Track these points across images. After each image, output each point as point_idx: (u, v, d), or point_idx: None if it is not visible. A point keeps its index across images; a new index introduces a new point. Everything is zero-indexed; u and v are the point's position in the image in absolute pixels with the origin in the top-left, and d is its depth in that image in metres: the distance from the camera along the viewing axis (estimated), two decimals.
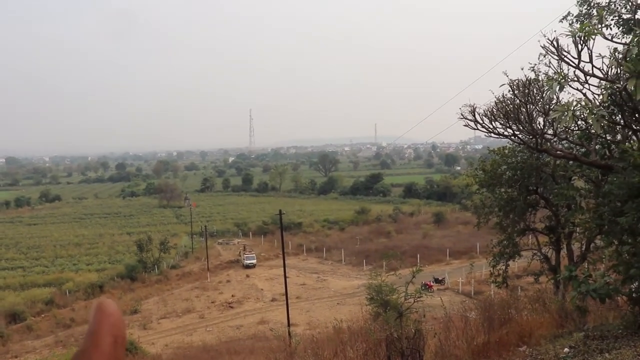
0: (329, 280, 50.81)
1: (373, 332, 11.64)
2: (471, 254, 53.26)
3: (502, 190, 21.20)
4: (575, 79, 9.84)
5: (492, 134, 14.00)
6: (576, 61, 9.67)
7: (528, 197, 20.83)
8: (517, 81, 12.80)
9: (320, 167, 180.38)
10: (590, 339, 8.38)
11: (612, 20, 13.69)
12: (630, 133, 11.10)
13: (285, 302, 33.25)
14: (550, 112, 11.09)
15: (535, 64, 11.76)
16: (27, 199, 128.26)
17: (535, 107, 12.80)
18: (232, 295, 46.82)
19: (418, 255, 51.30)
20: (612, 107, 10.25)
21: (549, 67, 10.50)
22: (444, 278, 45.69)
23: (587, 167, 14.80)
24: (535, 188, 20.52)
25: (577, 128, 13.09)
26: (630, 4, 13.63)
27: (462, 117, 13.90)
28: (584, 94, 9.86)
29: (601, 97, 9.73)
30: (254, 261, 57.23)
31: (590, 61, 9.59)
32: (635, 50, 8.39)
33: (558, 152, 12.84)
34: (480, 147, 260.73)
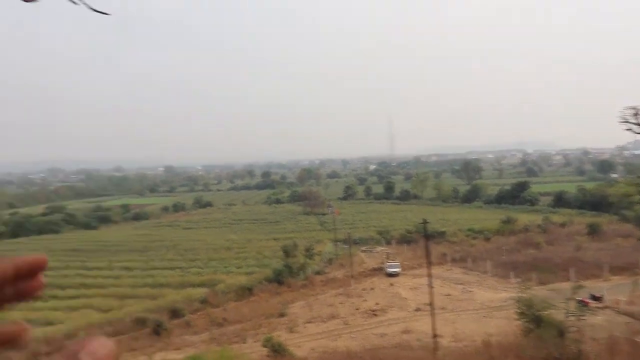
0: (474, 292, 49.17)
1: (527, 349, 11.12)
2: (634, 270, 48.93)
3: None
4: None
5: None
6: None
7: None
8: None
9: (463, 175, 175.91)
10: None
11: None
12: None
13: (429, 312, 32.78)
14: None
15: None
16: (182, 205, 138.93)
17: None
18: (376, 303, 46.91)
19: (571, 269, 48.15)
20: None
21: None
22: (602, 295, 42.31)
23: None
24: None
25: None
26: None
27: (624, 120, 12.96)
28: None
29: None
30: (398, 270, 56.99)
31: None
32: None
33: None
34: None
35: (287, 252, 57.72)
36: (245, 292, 51.88)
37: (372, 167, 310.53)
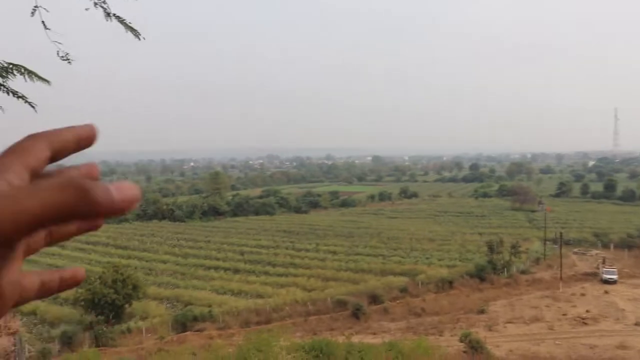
0: None
1: None
2: None
3: None
4: None
5: None
6: None
7: None
8: None
9: None
10: None
11: None
12: None
13: None
14: None
15: None
16: (388, 194, 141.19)
17: None
18: (587, 311, 43.24)
19: None
20: None
21: None
22: None
23: None
24: None
25: None
26: None
27: None
28: None
29: None
30: (615, 277, 51.72)
31: None
32: None
33: None
34: None
35: (491, 248, 55.74)
36: (446, 284, 51.27)
37: (591, 163, 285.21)
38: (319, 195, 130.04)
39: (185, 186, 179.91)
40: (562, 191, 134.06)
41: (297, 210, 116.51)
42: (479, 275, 53.49)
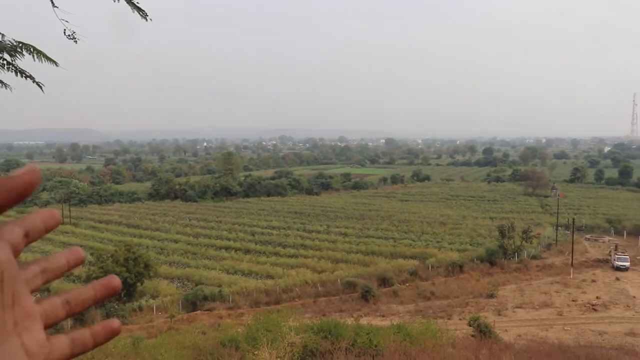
0: None
1: None
2: None
3: None
4: None
5: None
6: None
7: None
8: None
9: None
10: None
11: None
12: None
13: None
14: None
15: None
16: (401, 177, 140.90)
17: None
18: (597, 297, 43.08)
19: None
20: None
21: None
22: None
23: None
24: None
25: None
26: None
27: None
28: None
29: None
30: (627, 264, 51.36)
31: None
32: None
33: None
34: None
35: (502, 233, 55.50)
36: (456, 268, 51.29)
37: (607, 149, 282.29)
38: (330, 177, 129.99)
39: (198, 166, 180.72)
40: (576, 177, 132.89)
41: (309, 192, 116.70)
42: (489, 259, 53.40)
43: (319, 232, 68.93)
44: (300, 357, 18.20)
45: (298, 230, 70.23)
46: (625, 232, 67.85)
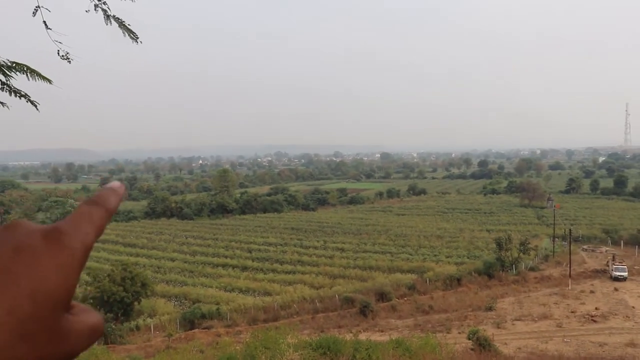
0: None
1: None
2: None
3: None
4: None
5: None
6: None
7: None
8: None
9: None
10: None
11: None
12: None
13: None
14: None
15: None
16: (397, 191, 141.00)
17: None
18: (596, 308, 42.95)
19: None
20: None
21: None
22: None
23: None
24: None
25: None
26: None
27: None
28: None
29: None
30: (625, 274, 51.32)
31: None
32: None
33: None
34: None
35: (500, 245, 55.49)
36: (454, 282, 51.16)
37: (601, 159, 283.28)
38: (327, 193, 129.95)
39: (194, 184, 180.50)
40: (571, 187, 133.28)
41: (305, 208, 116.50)
42: (487, 272, 53.32)
43: (315, 247, 68.76)
44: None
45: (295, 246, 69.99)
46: (622, 242, 67.87)
